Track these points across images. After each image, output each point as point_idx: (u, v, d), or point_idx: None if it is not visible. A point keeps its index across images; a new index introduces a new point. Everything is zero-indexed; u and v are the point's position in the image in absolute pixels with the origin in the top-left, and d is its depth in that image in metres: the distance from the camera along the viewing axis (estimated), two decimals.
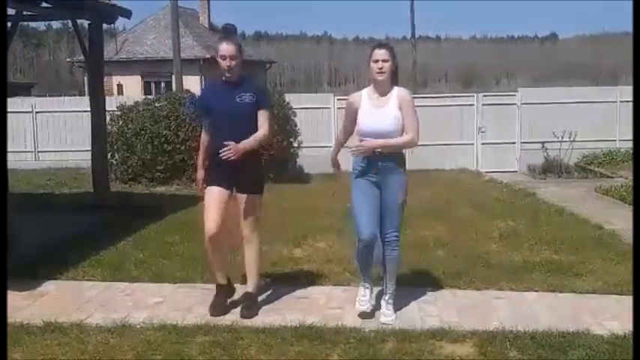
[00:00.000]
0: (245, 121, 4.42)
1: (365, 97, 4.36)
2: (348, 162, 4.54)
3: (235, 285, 4.83)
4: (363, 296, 4.50)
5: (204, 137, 4.67)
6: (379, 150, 4.26)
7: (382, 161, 4.28)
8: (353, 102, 4.39)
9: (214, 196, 4.47)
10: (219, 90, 4.55)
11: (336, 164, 4.80)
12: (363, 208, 4.32)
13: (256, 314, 4.51)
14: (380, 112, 4.28)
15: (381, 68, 4.25)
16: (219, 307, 4.55)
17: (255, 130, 4.46)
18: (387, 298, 4.47)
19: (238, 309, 4.56)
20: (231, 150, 4.27)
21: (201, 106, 4.69)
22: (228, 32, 4.51)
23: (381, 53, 4.27)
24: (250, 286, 4.66)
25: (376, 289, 4.68)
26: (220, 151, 4.30)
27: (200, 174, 4.72)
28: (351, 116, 4.39)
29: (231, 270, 4.92)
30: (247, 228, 4.56)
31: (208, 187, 4.53)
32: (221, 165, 4.42)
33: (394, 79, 4.34)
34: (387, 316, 4.38)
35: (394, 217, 4.37)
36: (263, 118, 4.49)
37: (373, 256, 4.45)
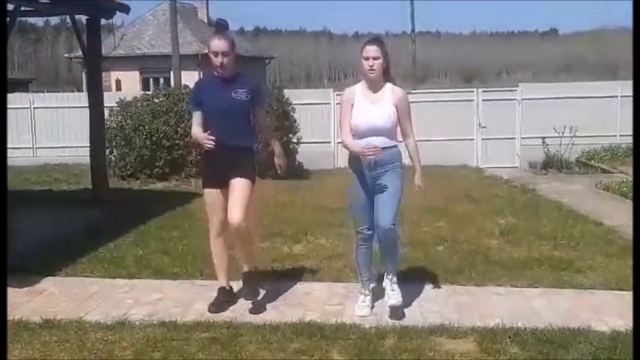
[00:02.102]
0: (239, 118, 4.41)
1: (358, 93, 4.33)
2: (345, 158, 4.53)
3: (232, 282, 4.81)
4: (363, 302, 4.51)
5: (196, 128, 4.46)
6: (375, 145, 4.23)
7: (377, 157, 4.21)
8: (348, 99, 4.34)
9: (214, 198, 4.49)
10: (213, 86, 4.49)
11: (364, 150, 4.16)
12: (360, 203, 4.36)
13: (258, 295, 4.55)
14: (374, 109, 4.25)
15: (372, 66, 4.21)
16: (220, 307, 4.52)
17: (250, 126, 4.48)
18: (390, 276, 4.44)
19: (238, 305, 4.56)
20: (281, 163, 4.71)
21: (195, 102, 4.58)
22: (220, 28, 4.47)
23: (371, 50, 4.22)
24: (246, 267, 4.62)
25: (378, 286, 4.67)
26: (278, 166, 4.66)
27: (202, 136, 4.33)
28: (349, 112, 4.33)
29: (230, 267, 4.91)
30: (236, 211, 4.29)
31: (206, 190, 4.53)
32: (214, 163, 4.41)
33: (387, 74, 4.31)
34: (391, 297, 4.36)
35: (389, 203, 4.27)
36: (262, 118, 4.54)
37: (372, 257, 4.45)
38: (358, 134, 4.30)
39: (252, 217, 4.66)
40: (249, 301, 4.53)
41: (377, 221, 4.29)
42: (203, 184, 4.58)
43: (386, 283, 4.48)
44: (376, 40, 4.33)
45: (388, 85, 4.31)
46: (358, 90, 4.34)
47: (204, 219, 4.75)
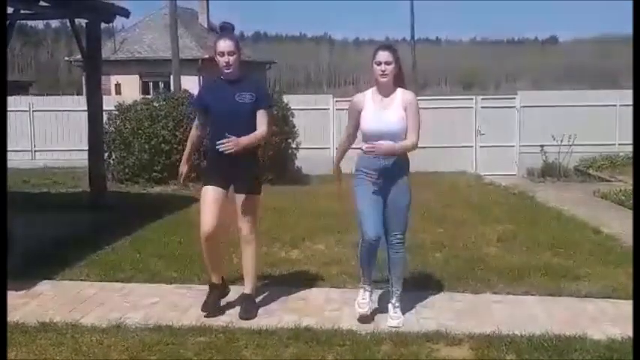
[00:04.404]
0: (244, 121, 4.40)
1: (369, 99, 4.33)
2: (348, 164, 4.54)
3: (232, 286, 4.81)
4: (363, 299, 4.47)
5: (193, 133, 4.67)
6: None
7: (386, 162, 4.26)
8: (357, 103, 4.36)
9: (210, 196, 4.45)
10: (218, 89, 4.51)
11: (338, 175, 4.67)
12: (367, 209, 4.30)
13: (255, 316, 4.48)
14: (384, 113, 4.25)
15: (384, 71, 4.23)
16: (211, 306, 4.53)
17: (253, 129, 4.44)
18: (393, 301, 4.44)
19: (234, 310, 4.55)
20: (230, 143, 4.23)
21: (199, 105, 4.63)
22: (226, 30, 4.51)
23: (384, 55, 4.24)
24: (248, 288, 4.63)
25: (377, 292, 4.69)
26: (217, 142, 4.26)
27: (183, 168, 4.72)
28: (356, 118, 4.35)
29: (228, 270, 4.92)
30: (246, 228, 4.52)
31: (204, 187, 4.51)
32: (218, 165, 4.42)
33: (399, 80, 4.32)
34: (394, 319, 4.36)
35: (399, 219, 4.34)
36: (262, 117, 4.47)
37: (376, 258, 4.44)
38: (368, 139, 4.29)
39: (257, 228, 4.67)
40: (246, 320, 4.44)
41: (387, 238, 4.33)
42: (204, 182, 4.54)
43: (389, 306, 4.45)
44: (388, 46, 4.37)
45: (399, 90, 4.32)
46: (369, 95, 4.34)
47: None
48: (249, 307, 4.53)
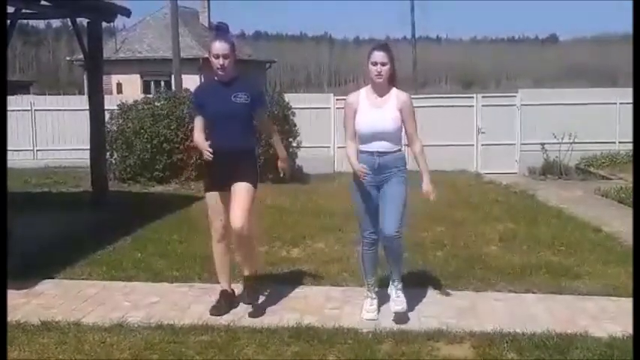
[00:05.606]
0: (240, 122, 4.41)
1: (363, 98, 4.34)
2: (347, 164, 4.54)
3: (233, 285, 4.82)
4: (371, 306, 4.49)
5: (197, 134, 4.53)
6: (377, 150, 4.26)
7: (382, 160, 4.27)
8: (352, 103, 4.37)
9: (217, 201, 4.49)
10: (213, 90, 4.51)
11: (361, 170, 4.27)
12: (365, 208, 4.35)
13: (258, 300, 4.54)
14: (379, 113, 4.27)
15: (379, 72, 4.24)
16: (221, 310, 4.51)
17: (251, 129, 4.49)
18: (395, 283, 4.44)
19: (236, 309, 4.56)
20: (284, 167, 4.73)
21: (196, 106, 4.62)
22: (220, 31, 4.50)
23: (379, 55, 4.25)
24: (247, 270, 4.62)
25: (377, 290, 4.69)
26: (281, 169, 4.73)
27: (204, 144, 4.40)
28: (354, 118, 4.36)
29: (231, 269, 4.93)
30: (239, 215, 4.31)
31: (208, 193, 4.53)
32: (216, 167, 4.42)
33: (392, 80, 4.33)
34: (397, 304, 4.36)
35: (394, 209, 4.29)
36: (265, 121, 4.56)
37: (377, 262, 4.46)
38: (362, 139, 4.30)
39: (253, 221, 4.66)
40: (248, 305, 4.54)
41: (381, 228, 4.31)
42: (205, 187, 4.58)
43: (391, 289, 4.47)
44: (384, 46, 4.37)
45: (393, 90, 4.33)
46: (363, 94, 4.35)
47: (204, 222, 4.76)
48: (251, 291, 4.56)
